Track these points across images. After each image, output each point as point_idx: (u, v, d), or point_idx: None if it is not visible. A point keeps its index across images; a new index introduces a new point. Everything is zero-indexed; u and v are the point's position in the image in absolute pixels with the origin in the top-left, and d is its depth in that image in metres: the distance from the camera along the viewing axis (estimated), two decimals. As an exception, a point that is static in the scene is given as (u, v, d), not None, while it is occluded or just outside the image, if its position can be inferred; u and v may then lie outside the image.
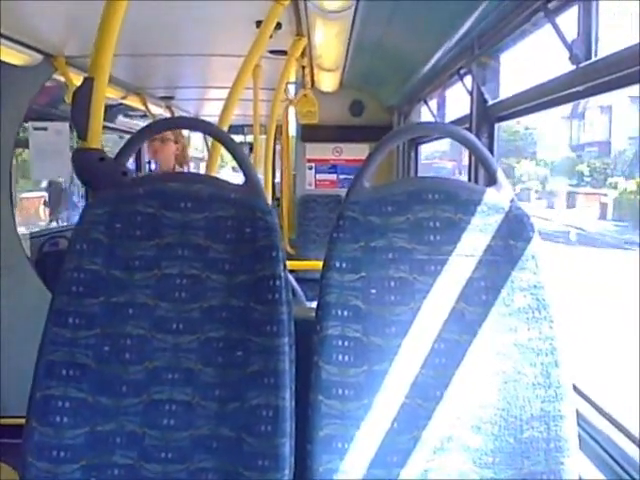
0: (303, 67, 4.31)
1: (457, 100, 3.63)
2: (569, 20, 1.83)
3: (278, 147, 7.02)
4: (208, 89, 5.69)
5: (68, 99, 3.99)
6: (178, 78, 5.35)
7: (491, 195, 1.33)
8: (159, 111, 6.29)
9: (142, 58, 3.91)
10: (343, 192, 4.96)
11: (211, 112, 6.54)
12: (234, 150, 1.41)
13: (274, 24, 2.53)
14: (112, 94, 4.92)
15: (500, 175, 1.35)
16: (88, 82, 1.39)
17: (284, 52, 3.51)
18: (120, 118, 6.38)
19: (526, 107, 2.25)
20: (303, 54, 3.72)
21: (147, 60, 4.11)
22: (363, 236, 1.32)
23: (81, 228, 1.35)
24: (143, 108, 5.76)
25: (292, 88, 5.37)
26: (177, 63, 4.44)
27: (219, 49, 3.81)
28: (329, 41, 3.23)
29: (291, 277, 1.58)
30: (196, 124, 1.53)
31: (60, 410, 1.29)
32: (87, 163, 1.39)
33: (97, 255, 1.33)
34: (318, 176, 5.75)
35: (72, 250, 1.34)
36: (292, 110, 5.39)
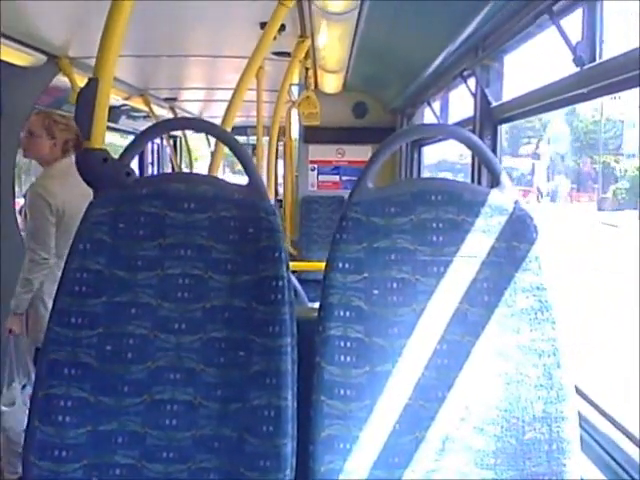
0: (307, 69, 4.32)
1: (460, 102, 3.63)
2: (573, 22, 1.84)
3: (280, 148, 7.03)
4: (212, 90, 5.71)
5: (72, 100, 4.00)
6: (182, 79, 5.37)
7: (494, 196, 1.33)
8: (162, 112, 6.30)
9: (146, 59, 3.92)
10: (346, 193, 4.96)
11: (215, 113, 6.55)
12: (238, 151, 1.41)
13: (278, 25, 2.54)
14: (116, 95, 4.93)
15: (504, 176, 1.35)
16: (93, 83, 1.39)
17: (288, 54, 3.52)
18: (123, 119, 6.39)
19: (530, 109, 2.26)
20: (307, 56, 3.73)
21: (151, 61, 4.12)
22: (366, 237, 1.32)
23: (84, 228, 1.35)
24: (146, 109, 5.77)
25: (295, 90, 5.38)
26: (181, 64, 4.46)
27: (223, 50, 3.82)
28: (333, 43, 3.23)
29: (293, 278, 1.58)
30: (200, 125, 1.54)
31: (62, 409, 1.29)
32: (91, 163, 1.39)
33: (100, 255, 1.33)
34: (321, 177, 5.77)
35: (75, 250, 1.34)
36: (295, 112, 5.40)
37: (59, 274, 2.88)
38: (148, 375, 1.32)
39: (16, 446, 2.79)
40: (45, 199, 2.82)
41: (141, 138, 1.44)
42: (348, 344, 1.28)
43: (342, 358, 1.28)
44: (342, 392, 1.27)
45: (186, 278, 1.35)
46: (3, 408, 2.83)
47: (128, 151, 1.40)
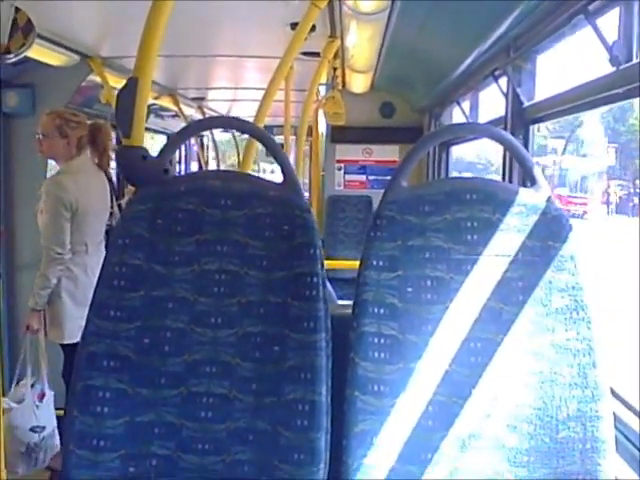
0: (334, 68, 4.33)
1: (490, 102, 3.61)
2: (609, 22, 1.82)
3: (306, 147, 7.05)
4: (239, 90, 5.75)
5: (103, 99, 4.06)
6: (210, 79, 5.41)
7: (530, 195, 1.33)
8: (190, 112, 6.36)
9: (176, 59, 3.96)
10: (373, 193, 4.95)
11: (242, 113, 6.60)
12: (274, 149, 1.43)
13: (310, 26, 2.55)
14: (146, 94, 4.97)
15: (538, 175, 1.34)
16: (132, 82, 1.42)
17: (317, 54, 3.53)
18: (152, 118, 6.47)
19: (563, 109, 2.24)
20: (335, 56, 3.74)
21: (181, 61, 4.17)
22: (400, 235, 1.33)
23: (124, 223, 1.38)
24: (175, 108, 5.83)
25: (323, 89, 5.39)
26: (210, 64, 4.50)
27: (252, 51, 3.85)
28: (362, 43, 3.24)
29: None
30: (236, 123, 1.56)
31: (101, 400, 1.32)
32: (130, 160, 1.42)
33: (139, 250, 1.36)
34: (347, 177, 5.77)
35: (114, 245, 1.37)
36: (322, 111, 5.42)
37: (75, 270, 2.95)
38: (185, 368, 1.34)
39: (20, 446, 2.78)
40: (58, 195, 2.85)
41: (178, 136, 1.47)
42: (382, 341, 1.29)
43: (376, 354, 1.29)
44: (376, 388, 1.28)
45: (222, 274, 1.37)
46: (12, 404, 2.81)
47: (166, 149, 1.43)
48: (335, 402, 1.31)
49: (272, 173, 15.06)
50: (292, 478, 1.27)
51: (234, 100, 6.47)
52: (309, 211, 1.38)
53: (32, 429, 2.82)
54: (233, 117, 1.58)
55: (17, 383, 2.90)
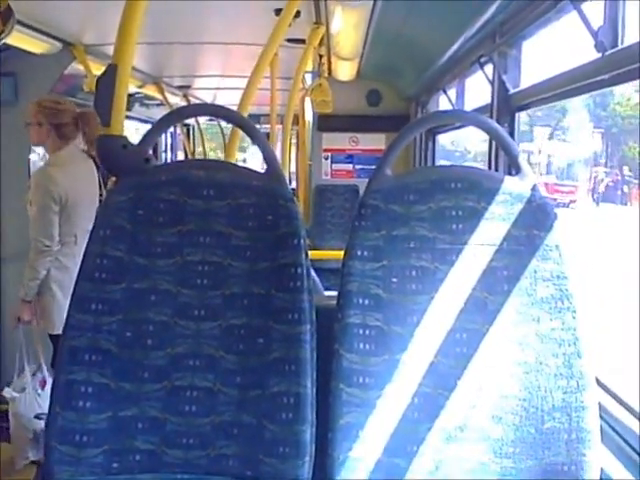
0: (320, 56, 4.30)
1: (476, 89, 3.60)
2: (595, 7, 1.81)
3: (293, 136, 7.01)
4: (224, 78, 5.70)
5: (86, 87, 4.01)
6: (195, 67, 5.36)
7: (515, 184, 1.31)
8: (176, 100, 6.30)
9: (160, 47, 3.92)
10: (359, 182, 4.93)
11: (228, 101, 6.55)
12: (257, 137, 1.41)
13: (294, 12, 2.53)
14: (130, 83, 4.92)
15: (523, 163, 1.33)
16: (111, 69, 1.39)
17: (302, 41, 3.50)
18: (137, 107, 6.40)
19: (549, 96, 2.23)
20: (321, 43, 3.71)
21: (165, 49, 4.12)
22: (385, 224, 1.31)
23: (104, 214, 1.35)
24: (160, 97, 5.78)
25: (309, 77, 5.36)
26: (195, 52, 4.45)
27: (237, 38, 3.81)
28: (348, 29, 3.21)
29: None
30: (219, 111, 1.53)
31: (83, 395, 1.30)
32: (110, 149, 1.39)
33: (120, 241, 1.34)
34: (334, 166, 5.74)
35: (95, 236, 1.35)
36: (308, 100, 5.38)
37: (64, 261, 2.95)
38: (168, 361, 1.33)
39: (27, 432, 2.87)
40: (47, 188, 2.82)
41: (160, 124, 1.44)
42: (367, 332, 1.28)
43: (361, 346, 1.28)
44: (361, 380, 1.27)
45: (205, 265, 1.35)
46: (14, 394, 2.90)
47: (147, 137, 1.40)
48: (320, 394, 1.30)
49: (244, 162, 15.00)
50: (277, 472, 1.27)
51: (219, 88, 6.41)
52: (293, 201, 1.36)
53: (37, 416, 2.89)
54: (216, 105, 1.56)
55: (19, 374, 2.96)
